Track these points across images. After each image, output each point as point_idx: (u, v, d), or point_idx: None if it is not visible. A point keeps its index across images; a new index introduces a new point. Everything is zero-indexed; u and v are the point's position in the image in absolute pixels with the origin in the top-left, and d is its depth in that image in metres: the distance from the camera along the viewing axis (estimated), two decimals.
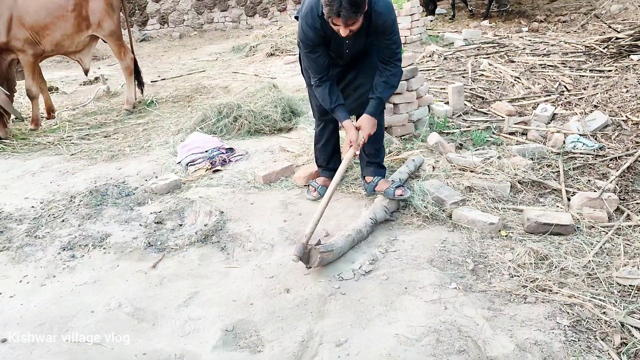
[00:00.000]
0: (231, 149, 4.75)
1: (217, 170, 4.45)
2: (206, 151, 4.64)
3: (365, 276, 2.97)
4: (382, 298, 2.77)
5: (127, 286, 3.05)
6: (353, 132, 3.31)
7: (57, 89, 7.91)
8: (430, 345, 2.42)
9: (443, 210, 3.49)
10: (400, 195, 3.50)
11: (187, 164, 4.53)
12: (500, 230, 3.32)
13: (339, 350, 2.46)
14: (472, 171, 4.00)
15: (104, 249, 3.42)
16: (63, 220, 3.81)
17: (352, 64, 3.38)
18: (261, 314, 2.75)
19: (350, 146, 3.32)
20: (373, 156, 3.62)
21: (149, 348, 2.57)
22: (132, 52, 6.50)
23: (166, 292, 2.98)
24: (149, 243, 3.42)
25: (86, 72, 6.43)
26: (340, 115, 3.34)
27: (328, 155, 3.82)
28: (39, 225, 3.75)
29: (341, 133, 3.89)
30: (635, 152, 4.28)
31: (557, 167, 4.11)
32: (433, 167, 4.03)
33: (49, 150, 5.37)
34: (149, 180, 4.41)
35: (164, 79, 7.65)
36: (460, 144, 4.64)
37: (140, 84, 6.71)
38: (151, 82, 7.48)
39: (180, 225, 3.67)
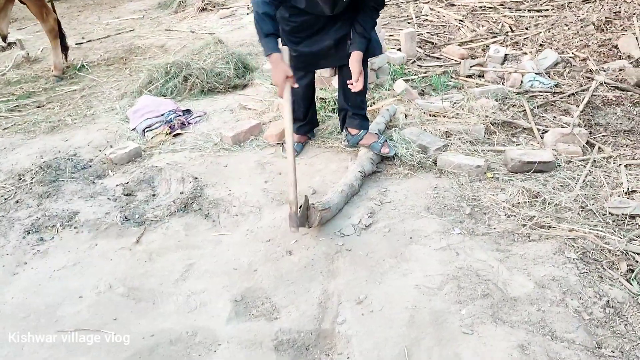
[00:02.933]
0: (188, 111, 4.46)
1: (178, 134, 4.17)
2: (162, 115, 4.33)
3: (366, 230, 2.90)
4: (390, 250, 2.71)
5: (112, 266, 2.80)
6: (285, 67, 2.80)
7: None
8: (453, 292, 2.40)
9: (427, 158, 3.44)
10: (387, 153, 3.41)
11: (143, 130, 4.20)
12: (485, 172, 3.33)
13: (361, 307, 2.39)
14: (444, 116, 3.98)
15: (75, 228, 3.12)
16: (17, 202, 3.44)
17: (341, 16, 3.13)
18: (268, 280, 2.62)
19: (286, 81, 2.81)
20: (358, 107, 3.47)
21: (156, 328, 2.39)
22: (55, 12, 5.89)
23: (158, 268, 2.77)
24: (125, 217, 3.16)
25: (4, 38, 5.77)
26: (272, 46, 2.82)
27: (306, 108, 3.62)
28: None
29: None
30: (589, 87, 4.42)
31: (522, 106, 4.17)
32: (405, 115, 3.97)
33: None
34: (103, 150, 4.07)
35: (90, 41, 7.04)
36: (422, 90, 4.60)
37: (64, 49, 6.11)
38: (76, 44, 6.86)
39: (153, 195, 3.42)
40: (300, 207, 2.83)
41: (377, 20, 3.53)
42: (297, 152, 3.68)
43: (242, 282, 2.62)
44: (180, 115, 4.34)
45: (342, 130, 3.68)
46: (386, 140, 3.45)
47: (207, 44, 5.37)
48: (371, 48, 3.26)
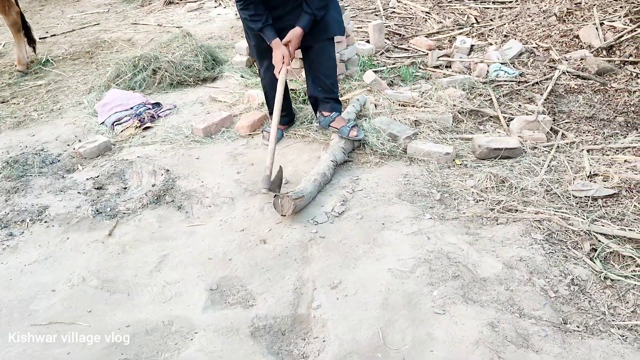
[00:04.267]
0: (158, 104, 4.43)
1: (148, 128, 4.14)
2: (131, 108, 4.29)
3: (339, 217, 2.94)
4: (363, 236, 2.76)
5: (85, 259, 2.78)
6: (283, 49, 3.28)
7: None
8: (425, 275, 2.46)
9: (397, 146, 3.50)
10: (355, 136, 3.47)
11: (112, 124, 4.16)
12: (454, 159, 3.40)
13: (336, 292, 2.43)
14: (413, 106, 4.04)
15: (45, 222, 3.08)
16: None
17: None
18: (243, 268, 2.64)
19: (283, 63, 3.31)
20: (329, 91, 3.54)
21: (132, 319, 2.39)
22: (18, 5, 5.75)
23: (132, 259, 2.76)
24: (97, 210, 3.14)
25: None
26: (269, 35, 3.27)
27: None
28: None
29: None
30: (552, 76, 4.54)
31: (488, 95, 4.26)
32: (375, 105, 4.02)
33: None
34: (71, 144, 4.02)
35: (54, 35, 6.88)
36: (391, 81, 4.66)
37: (31, 41, 5.97)
38: (40, 38, 6.70)
39: (125, 188, 3.40)
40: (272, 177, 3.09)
41: (345, 12, 3.65)
42: (277, 138, 3.71)
43: (217, 272, 2.64)
44: (150, 109, 4.31)
45: (316, 114, 3.76)
46: (356, 125, 3.52)
47: (175, 37, 5.32)
48: (330, 27, 3.37)
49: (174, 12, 7.43)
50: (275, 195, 2.91)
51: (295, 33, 3.25)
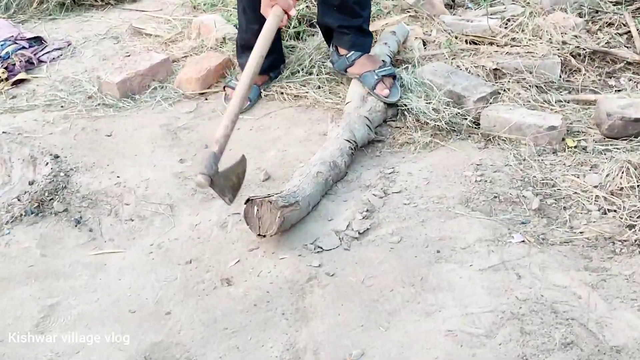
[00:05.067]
0: (38, 39, 4.50)
1: (22, 81, 4.21)
2: None
3: (361, 240, 2.98)
4: (404, 274, 2.80)
5: None
6: None
7: None
8: (513, 340, 2.49)
9: (463, 115, 3.54)
10: (386, 97, 3.52)
11: None
12: (564, 139, 3.44)
13: None
14: (491, 43, 4.09)
15: None
16: None
17: None
18: (192, 329, 2.68)
19: (273, 5, 3.25)
20: (350, 13, 3.64)
21: None
22: None
23: None
24: None
25: None
26: None
27: (261, 24, 3.66)
28: None
29: None
30: None
31: (623, 24, 4.31)
32: (424, 43, 4.07)
33: None
34: None
35: None
36: (452, 0, 4.72)
37: None
38: None
39: None
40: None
41: None
42: (250, 100, 3.79)
43: (147, 334, 2.67)
44: (24, 48, 4.38)
45: (329, 47, 3.91)
46: (392, 75, 3.60)
47: None
48: None
49: None
50: (247, 200, 2.93)
51: None
